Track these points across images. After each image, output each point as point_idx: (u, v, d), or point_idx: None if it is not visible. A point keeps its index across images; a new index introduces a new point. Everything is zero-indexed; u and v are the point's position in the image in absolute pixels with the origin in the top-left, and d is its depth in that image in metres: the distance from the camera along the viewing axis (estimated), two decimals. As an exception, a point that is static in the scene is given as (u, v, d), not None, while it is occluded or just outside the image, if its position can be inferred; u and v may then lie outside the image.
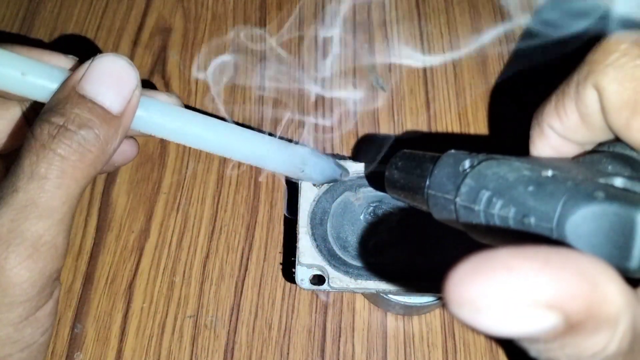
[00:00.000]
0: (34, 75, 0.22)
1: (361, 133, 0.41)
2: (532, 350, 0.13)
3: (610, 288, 0.12)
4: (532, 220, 0.16)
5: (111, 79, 0.21)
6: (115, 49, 0.44)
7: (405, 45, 0.44)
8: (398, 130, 0.41)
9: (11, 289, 0.20)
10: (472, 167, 0.19)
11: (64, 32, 0.45)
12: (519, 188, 0.16)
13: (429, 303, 0.31)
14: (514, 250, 0.12)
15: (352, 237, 0.29)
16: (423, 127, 0.41)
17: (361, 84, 0.43)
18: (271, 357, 0.34)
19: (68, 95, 0.21)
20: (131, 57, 0.43)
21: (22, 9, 0.46)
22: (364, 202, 0.30)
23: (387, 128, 0.41)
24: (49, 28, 0.45)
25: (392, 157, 0.25)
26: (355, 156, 0.40)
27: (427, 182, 0.21)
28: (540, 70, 0.42)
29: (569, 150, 0.22)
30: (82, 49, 0.44)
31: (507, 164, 0.18)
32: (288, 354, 0.34)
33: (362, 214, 0.30)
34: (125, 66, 0.22)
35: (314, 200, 0.30)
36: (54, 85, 0.22)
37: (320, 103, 0.42)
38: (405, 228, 0.30)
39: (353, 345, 0.34)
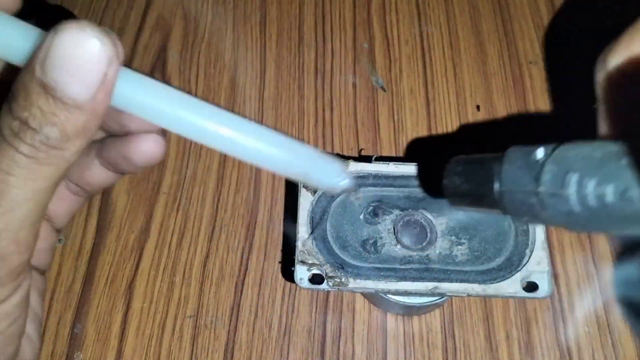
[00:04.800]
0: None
1: (361, 133, 0.41)
2: None
3: None
4: (636, 192, 0.15)
5: (74, 63, 0.18)
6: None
7: (405, 45, 0.44)
8: (398, 130, 0.41)
9: None
10: (547, 154, 0.18)
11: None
12: (610, 164, 0.16)
13: (429, 303, 0.31)
14: None
15: (352, 237, 0.29)
16: (423, 127, 0.41)
17: (361, 84, 0.42)
18: (271, 357, 0.34)
19: (30, 82, 0.18)
20: (131, 57, 0.43)
21: (22, 9, 0.46)
22: (364, 202, 0.30)
23: (387, 128, 0.41)
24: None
25: (448, 165, 0.24)
26: (356, 156, 0.40)
27: (498, 181, 0.20)
28: (539, 70, 0.42)
29: None
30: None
31: (587, 144, 0.17)
32: (288, 354, 0.34)
33: (362, 214, 0.30)
34: (90, 45, 0.18)
35: (313, 199, 0.29)
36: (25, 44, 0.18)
37: (321, 103, 0.42)
38: (404, 228, 0.29)
39: (353, 345, 0.34)
